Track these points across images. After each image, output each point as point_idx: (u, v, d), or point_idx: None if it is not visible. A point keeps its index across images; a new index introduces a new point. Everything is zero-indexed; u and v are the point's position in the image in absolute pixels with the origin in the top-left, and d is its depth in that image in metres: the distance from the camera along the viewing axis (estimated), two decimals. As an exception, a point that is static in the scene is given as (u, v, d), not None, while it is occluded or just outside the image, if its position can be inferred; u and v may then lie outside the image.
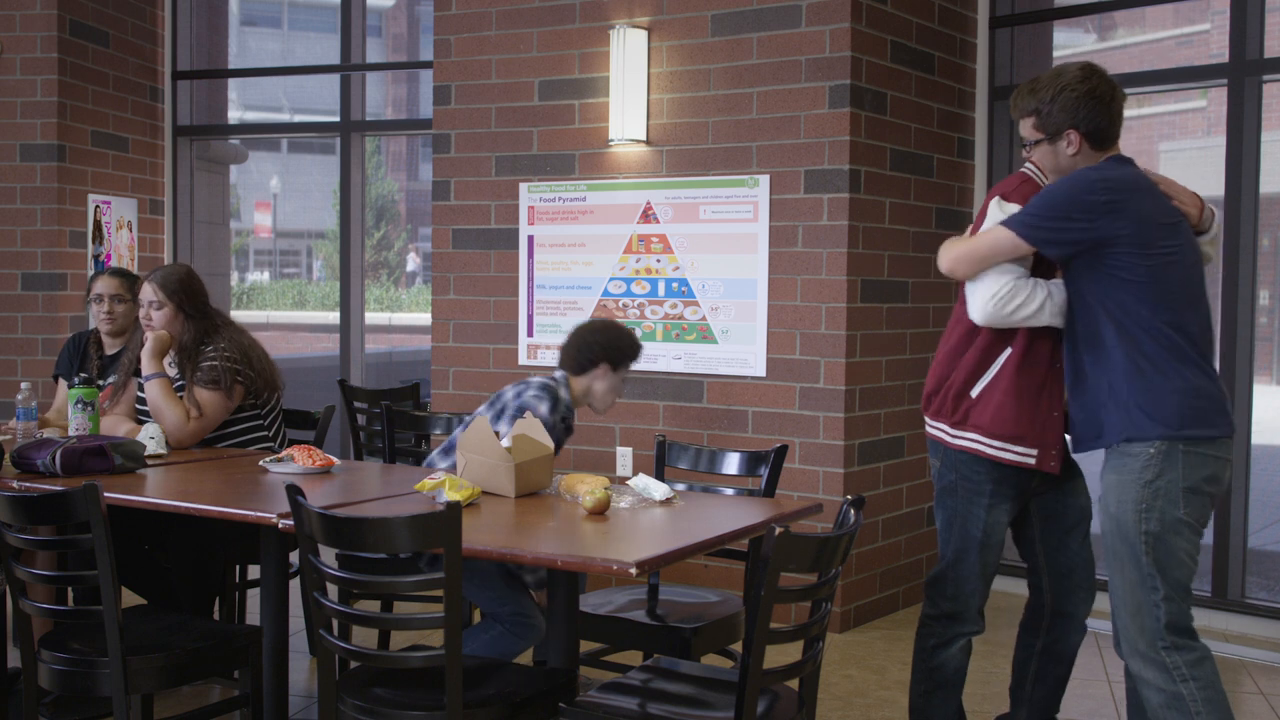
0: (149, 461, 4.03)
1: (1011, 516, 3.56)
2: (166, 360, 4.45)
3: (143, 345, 4.47)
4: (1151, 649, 3.17)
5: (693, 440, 5.57)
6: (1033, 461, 3.39)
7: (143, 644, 3.30)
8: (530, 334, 6.10)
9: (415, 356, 11.38)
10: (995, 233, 3.28)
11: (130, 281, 4.92)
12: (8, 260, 7.07)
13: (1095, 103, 3.24)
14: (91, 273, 7.09)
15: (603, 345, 3.98)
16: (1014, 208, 3.37)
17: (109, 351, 4.94)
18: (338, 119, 7.68)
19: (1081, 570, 3.61)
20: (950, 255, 3.38)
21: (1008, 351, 3.39)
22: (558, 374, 4.01)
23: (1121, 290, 3.18)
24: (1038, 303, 3.28)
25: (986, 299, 3.28)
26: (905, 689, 4.66)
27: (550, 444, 3.59)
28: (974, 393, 3.43)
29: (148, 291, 4.43)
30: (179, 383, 4.41)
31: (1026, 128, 3.36)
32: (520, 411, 3.83)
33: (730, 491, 4.00)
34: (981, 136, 6.23)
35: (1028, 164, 3.50)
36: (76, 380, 4.26)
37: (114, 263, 7.34)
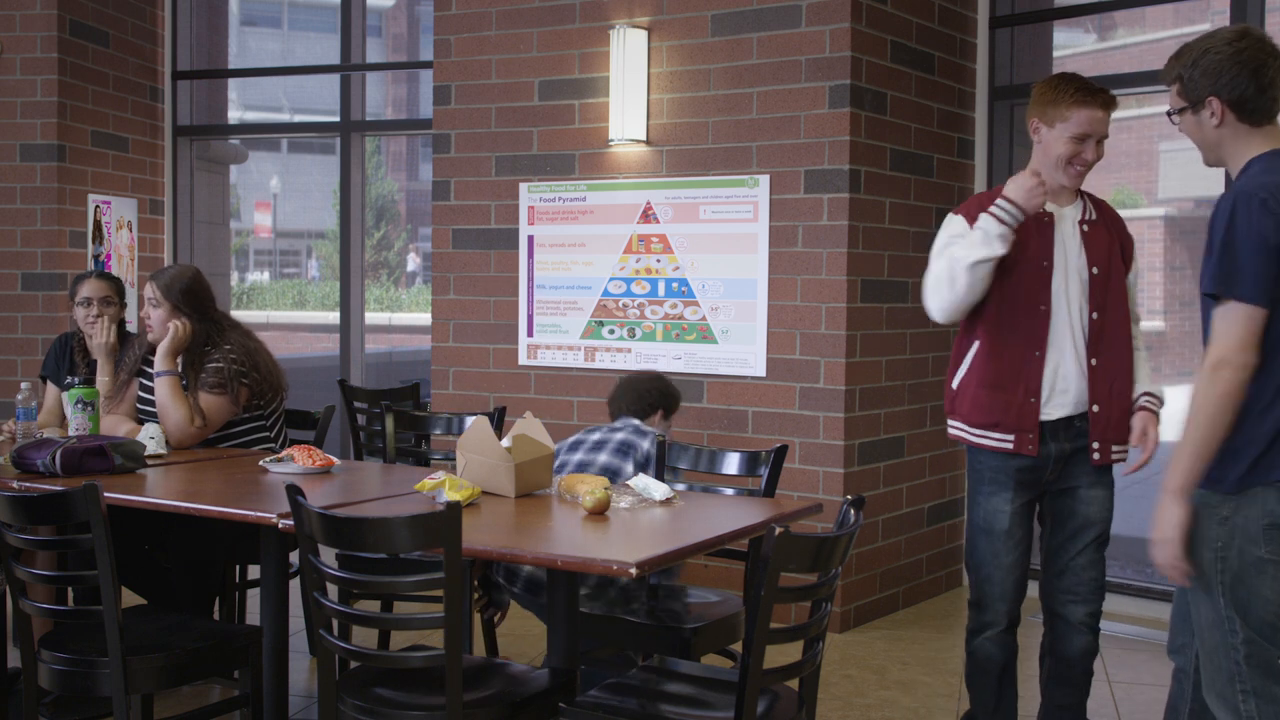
0: (149, 461, 4.02)
1: (1015, 506, 3.58)
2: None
3: (146, 346, 4.48)
4: (1229, 690, 2.88)
5: (693, 440, 5.56)
6: (1010, 446, 3.50)
7: (143, 644, 3.30)
8: (530, 334, 6.10)
9: (415, 356, 11.38)
10: (1231, 314, 2.74)
11: (117, 286, 4.91)
12: (8, 260, 7.07)
13: (1240, 67, 2.85)
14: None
15: (660, 393, 4.47)
16: (958, 220, 3.55)
17: (94, 356, 4.94)
18: (338, 119, 7.68)
19: (1074, 576, 3.63)
20: (1219, 358, 2.75)
21: (976, 344, 3.55)
22: (625, 420, 4.31)
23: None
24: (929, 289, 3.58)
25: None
26: (905, 689, 4.67)
27: (551, 444, 3.60)
28: (955, 384, 3.64)
29: (148, 289, 4.44)
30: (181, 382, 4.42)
31: (1172, 96, 3.01)
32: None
33: (730, 491, 4.00)
34: (981, 137, 6.23)
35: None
36: (76, 381, 4.26)
37: (114, 263, 7.35)
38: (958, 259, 3.46)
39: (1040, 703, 3.78)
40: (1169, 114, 3.04)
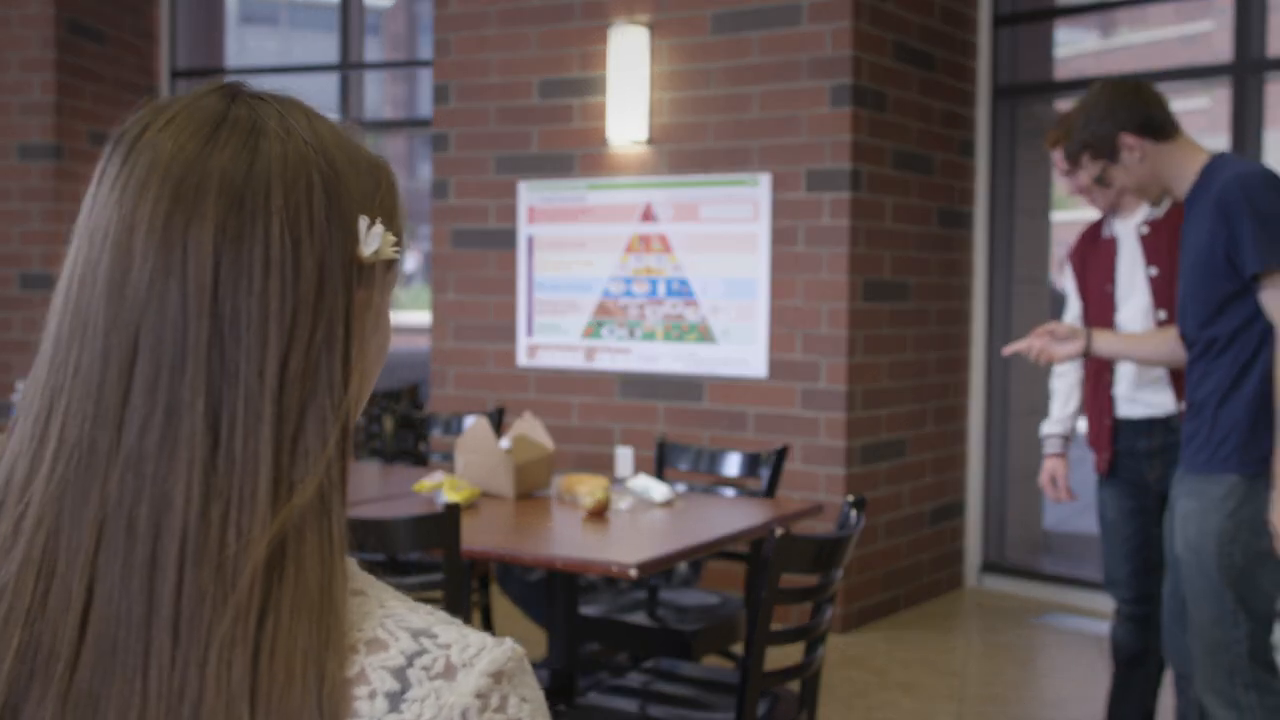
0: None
1: (1123, 505, 3.63)
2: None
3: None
4: (1229, 685, 2.92)
5: (693, 441, 5.54)
6: (1098, 464, 3.66)
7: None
8: (530, 334, 6.07)
9: (414, 357, 11.35)
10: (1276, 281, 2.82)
11: None
12: (6, 260, 7.04)
13: (1121, 98, 2.98)
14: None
15: None
16: (1067, 272, 3.69)
17: None
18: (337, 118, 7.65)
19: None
20: None
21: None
22: None
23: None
24: None
25: None
26: (906, 690, 4.65)
27: (550, 445, 3.58)
28: None
29: None
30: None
31: (1087, 169, 3.08)
32: None
33: (731, 493, 3.98)
34: (983, 136, 6.21)
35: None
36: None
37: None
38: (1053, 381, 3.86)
39: None
40: (1096, 181, 3.09)
